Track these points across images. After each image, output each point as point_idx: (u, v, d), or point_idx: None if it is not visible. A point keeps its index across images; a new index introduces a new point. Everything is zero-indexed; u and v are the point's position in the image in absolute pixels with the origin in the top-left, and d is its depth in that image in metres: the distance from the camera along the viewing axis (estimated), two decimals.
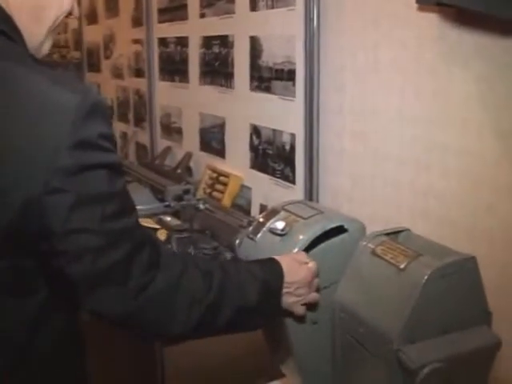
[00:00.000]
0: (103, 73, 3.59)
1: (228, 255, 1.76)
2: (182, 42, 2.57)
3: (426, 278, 1.01)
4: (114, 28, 3.34)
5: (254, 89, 2.05)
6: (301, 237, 1.19)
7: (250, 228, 1.29)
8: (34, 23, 0.94)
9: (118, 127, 3.37)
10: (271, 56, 1.93)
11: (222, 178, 2.26)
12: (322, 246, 1.19)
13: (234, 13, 2.13)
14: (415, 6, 1.35)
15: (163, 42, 2.75)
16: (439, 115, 1.36)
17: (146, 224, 1.85)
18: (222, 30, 2.23)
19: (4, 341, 0.90)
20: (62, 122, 0.81)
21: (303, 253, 1.16)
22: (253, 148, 2.10)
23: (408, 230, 1.24)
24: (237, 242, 1.31)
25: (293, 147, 1.87)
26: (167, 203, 2.15)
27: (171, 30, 2.66)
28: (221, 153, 2.33)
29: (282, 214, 1.27)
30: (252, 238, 1.26)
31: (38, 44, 0.96)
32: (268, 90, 1.96)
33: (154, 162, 2.75)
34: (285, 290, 1.08)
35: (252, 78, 2.05)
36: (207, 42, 2.35)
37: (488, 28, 1.21)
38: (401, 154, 1.47)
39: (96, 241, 0.85)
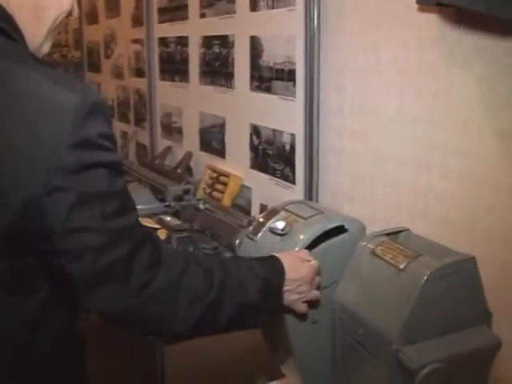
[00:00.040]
0: (103, 72, 3.59)
1: (228, 255, 1.76)
2: (183, 41, 2.57)
3: (425, 278, 1.01)
4: (114, 28, 3.34)
5: (254, 89, 2.05)
6: (301, 237, 1.19)
7: (250, 228, 1.29)
8: (34, 23, 0.94)
9: (119, 127, 3.37)
10: (271, 56, 1.93)
11: (222, 178, 2.26)
12: (322, 245, 1.19)
13: (234, 13, 2.13)
14: (415, 6, 1.35)
15: (163, 41, 2.75)
16: (439, 116, 1.36)
17: (146, 224, 1.85)
18: (223, 29, 2.23)
19: (4, 341, 0.90)
20: (63, 121, 0.81)
21: (305, 251, 1.16)
22: (253, 148, 2.10)
23: (408, 230, 1.24)
24: (237, 241, 1.31)
25: (293, 147, 1.87)
26: (167, 203, 2.15)
27: (171, 30, 2.66)
28: (221, 153, 2.33)
29: (282, 213, 1.27)
30: (252, 238, 1.26)
31: (39, 44, 0.97)
32: (268, 90, 1.96)
33: (154, 161, 2.75)
34: (286, 288, 1.08)
35: (252, 77, 2.05)
36: (207, 41, 2.35)
37: (488, 28, 1.21)
38: (401, 154, 1.48)
39: (97, 239, 0.85)
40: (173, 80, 2.70)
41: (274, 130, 1.97)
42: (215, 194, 2.26)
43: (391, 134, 1.50)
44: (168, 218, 2.07)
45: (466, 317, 1.07)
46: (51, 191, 0.81)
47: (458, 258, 1.07)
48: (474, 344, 1.05)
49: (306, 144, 1.75)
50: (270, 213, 1.30)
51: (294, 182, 1.88)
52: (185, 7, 2.50)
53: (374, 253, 1.14)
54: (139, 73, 3.06)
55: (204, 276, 0.97)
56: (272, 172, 2.00)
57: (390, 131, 1.51)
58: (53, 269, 0.88)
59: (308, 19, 1.67)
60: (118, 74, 3.36)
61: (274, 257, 1.11)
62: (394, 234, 1.22)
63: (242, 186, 2.18)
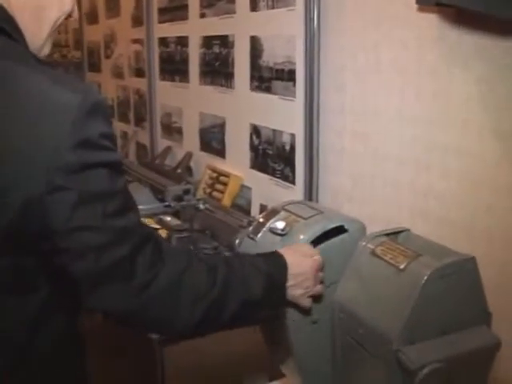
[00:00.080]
0: (103, 72, 3.59)
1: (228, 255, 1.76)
2: (183, 41, 2.57)
3: (425, 278, 1.01)
4: (114, 28, 3.34)
5: (254, 89, 2.05)
6: (301, 237, 1.19)
7: (250, 228, 1.29)
8: (35, 24, 0.94)
9: (119, 127, 3.37)
10: (271, 56, 1.93)
11: (222, 178, 2.26)
12: (322, 246, 1.19)
13: (234, 13, 2.14)
14: (415, 6, 1.35)
15: (163, 41, 2.75)
16: (439, 116, 1.36)
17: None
18: (223, 29, 2.23)
19: (4, 340, 0.90)
20: (63, 121, 0.81)
21: (308, 245, 1.16)
22: (253, 148, 2.10)
23: (408, 230, 1.24)
24: (237, 241, 1.31)
25: (293, 147, 1.87)
26: (167, 203, 2.15)
27: (171, 30, 2.66)
28: (221, 153, 2.33)
29: (282, 214, 1.27)
30: (252, 238, 1.26)
31: (40, 46, 0.97)
32: (268, 90, 1.96)
33: (154, 161, 2.75)
34: (290, 283, 1.08)
35: (252, 77, 2.05)
36: (207, 41, 2.35)
37: (488, 28, 1.21)
38: (401, 154, 1.48)
39: (99, 238, 0.85)
40: (173, 80, 2.70)
41: (273, 130, 1.97)
42: (215, 194, 2.26)
43: (391, 134, 1.50)
44: (168, 218, 2.07)
45: (466, 317, 1.07)
46: (52, 191, 0.81)
47: (457, 258, 1.07)
48: (473, 344, 1.05)
49: (305, 144, 1.75)
50: (270, 213, 1.30)
51: (293, 182, 1.88)
52: (185, 7, 2.50)
53: (374, 253, 1.14)
54: (139, 73, 3.06)
55: (207, 273, 0.97)
56: (272, 172, 2.00)
57: (389, 131, 1.51)
58: (54, 268, 0.88)
59: (308, 19, 1.67)
60: (118, 74, 3.37)
61: (277, 252, 1.11)
62: (393, 234, 1.22)
63: (242, 186, 2.19)
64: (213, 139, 2.39)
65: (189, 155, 2.53)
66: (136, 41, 3.05)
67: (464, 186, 1.31)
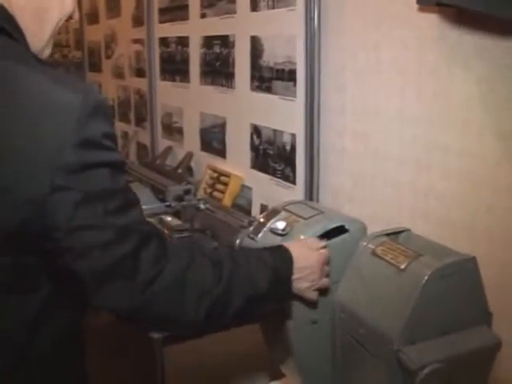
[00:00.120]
0: (104, 72, 3.59)
1: None
2: (183, 41, 2.57)
3: (426, 278, 1.01)
4: (115, 28, 3.34)
5: (254, 89, 2.05)
6: (301, 237, 1.19)
7: (251, 228, 1.29)
8: (36, 25, 0.94)
9: (119, 127, 3.37)
10: (272, 56, 1.93)
11: (222, 178, 2.26)
12: None
13: (234, 13, 2.13)
14: (416, 6, 1.35)
15: (164, 41, 2.75)
16: (440, 116, 1.36)
17: None
18: (223, 29, 2.23)
19: (4, 340, 0.90)
20: (65, 121, 0.81)
21: (315, 239, 1.16)
22: (253, 148, 2.10)
23: (408, 230, 1.25)
24: (237, 241, 1.31)
25: (293, 147, 1.87)
26: (168, 203, 2.15)
27: (172, 30, 2.66)
28: (221, 153, 2.33)
29: (283, 214, 1.27)
30: (253, 238, 1.26)
31: (41, 47, 0.97)
32: (269, 90, 1.96)
33: (154, 161, 2.75)
34: (296, 276, 1.09)
35: (253, 77, 2.05)
36: (208, 41, 2.35)
37: (488, 28, 1.21)
38: (401, 154, 1.47)
39: (101, 236, 0.85)
40: (173, 80, 2.70)
41: (274, 130, 1.97)
42: (216, 194, 2.26)
43: (391, 134, 1.50)
44: (169, 218, 2.07)
45: (467, 317, 1.07)
46: (54, 190, 0.81)
47: (458, 258, 1.07)
48: (474, 344, 1.05)
49: (306, 144, 1.75)
50: (271, 213, 1.30)
51: (294, 182, 1.88)
52: (185, 7, 2.50)
53: (374, 253, 1.14)
54: (140, 73, 3.06)
55: (212, 268, 0.97)
56: (272, 172, 2.00)
57: (390, 131, 1.51)
58: (56, 268, 0.88)
59: (308, 19, 1.67)
60: (119, 74, 3.37)
61: (282, 246, 1.11)
62: (394, 234, 1.22)
63: (243, 186, 2.18)
64: (213, 139, 2.39)
65: (189, 155, 2.53)
66: (137, 41, 3.05)
67: (464, 186, 1.31)
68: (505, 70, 1.20)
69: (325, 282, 1.15)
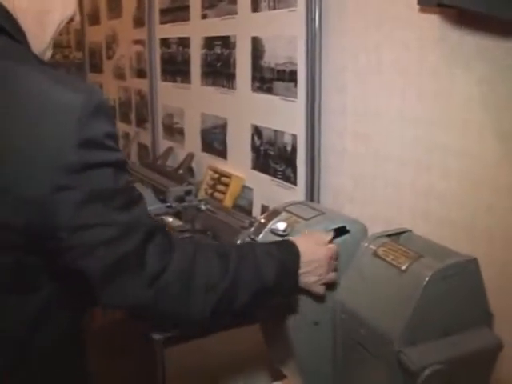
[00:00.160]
0: (105, 73, 3.59)
1: None
2: (184, 42, 2.57)
3: (427, 279, 1.01)
4: (116, 28, 3.34)
5: (255, 89, 2.05)
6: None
7: (252, 229, 1.29)
8: (38, 27, 0.95)
9: (120, 128, 3.37)
10: (273, 57, 1.93)
11: (223, 179, 2.26)
12: None
13: (235, 14, 2.13)
14: (417, 7, 1.35)
15: (165, 42, 2.75)
16: (440, 116, 1.36)
17: None
18: (224, 30, 2.23)
19: (4, 340, 0.90)
20: (65, 121, 0.81)
21: (323, 234, 1.16)
22: (254, 149, 2.10)
23: (409, 231, 1.25)
24: (238, 242, 1.31)
25: (294, 148, 1.87)
26: (169, 204, 2.15)
27: (173, 31, 2.66)
28: (222, 153, 2.33)
29: (284, 214, 1.27)
30: (253, 239, 1.26)
31: (43, 49, 0.97)
32: (270, 90, 1.96)
33: (155, 162, 2.75)
34: (303, 270, 1.09)
35: (254, 78, 2.05)
36: (209, 42, 2.35)
37: (489, 29, 1.21)
38: (402, 155, 1.47)
39: (106, 233, 0.85)
40: (174, 81, 2.70)
41: (275, 131, 1.97)
42: (217, 194, 2.26)
43: (392, 135, 1.50)
44: (170, 219, 2.07)
45: (468, 318, 1.07)
46: (57, 190, 0.81)
47: (459, 260, 1.07)
48: (475, 345, 1.05)
49: (307, 145, 1.75)
50: (272, 214, 1.30)
51: (295, 183, 1.88)
52: (186, 8, 2.50)
53: (375, 254, 1.14)
54: (141, 74, 3.06)
55: (219, 260, 0.98)
56: (273, 173, 2.00)
57: (391, 132, 1.51)
58: (58, 268, 0.88)
59: (309, 20, 1.67)
60: (120, 75, 3.37)
61: (288, 240, 1.11)
62: (395, 235, 1.22)
63: (244, 187, 2.19)
64: (214, 140, 2.39)
65: (190, 156, 2.53)
66: (138, 42, 3.05)
67: (465, 186, 1.31)
68: (506, 71, 1.20)
69: (332, 276, 1.15)
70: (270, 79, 1.95)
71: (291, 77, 1.84)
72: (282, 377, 1.36)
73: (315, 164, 1.74)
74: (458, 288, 1.05)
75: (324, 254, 1.12)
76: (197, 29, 2.44)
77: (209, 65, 2.37)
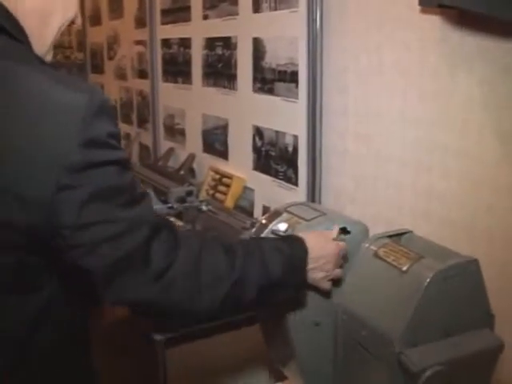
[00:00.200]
0: (106, 74, 3.60)
1: None
2: (185, 43, 2.57)
3: (428, 280, 1.01)
4: (117, 29, 3.34)
5: (256, 90, 2.05)
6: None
7: (253, 229, 1.29)
8: (40, 29, 0.95)
9: (122, 128, 3.37)
10: (274, 58, 1.93)
11: (224, 180, 2.26)
12: None
13: (237, 14, 2.14)
14: (418, 8, 1.35)
15: (166, 43, 2.75)
16: (441, 117, 1.36)
17: None
18: (225, 31, 2.23)
19: (4, 340, 0.90)
20: (68, 121, 0.81)
21: (331, 231, 1.17)
22: (256, 149, 2.10)
23: (411, 231, 1.25)
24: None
25: (295, 149, 1.87)
26: (170, 205, 2.15)
27: (174, 32, 2.66)
28: (224, 154, 2.34)
29: (285, 215, 1.27)
30: None
31: (45, 51, 0.97)
32: (271, 91, 1.96)
33: (157, 163, 2.75)
34: (311, 266, 1.09)
35: (255, 79, 2.05)
36: (210, 43, 2.36)
37: (490, 30, 1.21)
38: (403, 156, 1.47)
39: (110, 230, 0.85)
40: (176, 81, 2.70)
41: (276, 132, 1.97)
42: (218, 195, 2.26)
43: (393, 136, 1.50)
44: (171, 220, 2.07)
45: (469, 319, 1.07)
46: (60, 190, 0.81)
47: (460, 260, 1.07)
48: (476, 346, 1.05)
49: (308, 145, 1.75)
50: (273, 214, 1.30)
51: (296, 184, 1.88)
52: (188, 9, 2.50)
53: (376, 255, 1.14)
54: (142, 74, 3.07)
55: (225, 257, 0.97)
56: (275, 174, 2.00)
57: (392, 133, 1.51)
58: (60, 267, 0.88)
59: (310, 21, 1.67)
60: (121, 76, 3.37)
61: (298, 236, 1.11)
62: (396, 235, 1.22)
63: (245, 188, 2.19)
64: (215, 141, 2.39)
65: (191, 157, 2.54)
66: (139, 42, 3.06)
67: (465, 186, 1.31)
68: (506, 71, 1.20)
69: (337, 272, 1.15)
70: (272, 80, 1.95)
71: (292, 77, 1.84)
72: (282, 377, 1.36)
73: (316, 165, 1.74)
74: (459, 289, 1.04)
75: (332, 249, 1.12)
76: (198, 29, 2.44)
77: (210, 65, 2.37)
